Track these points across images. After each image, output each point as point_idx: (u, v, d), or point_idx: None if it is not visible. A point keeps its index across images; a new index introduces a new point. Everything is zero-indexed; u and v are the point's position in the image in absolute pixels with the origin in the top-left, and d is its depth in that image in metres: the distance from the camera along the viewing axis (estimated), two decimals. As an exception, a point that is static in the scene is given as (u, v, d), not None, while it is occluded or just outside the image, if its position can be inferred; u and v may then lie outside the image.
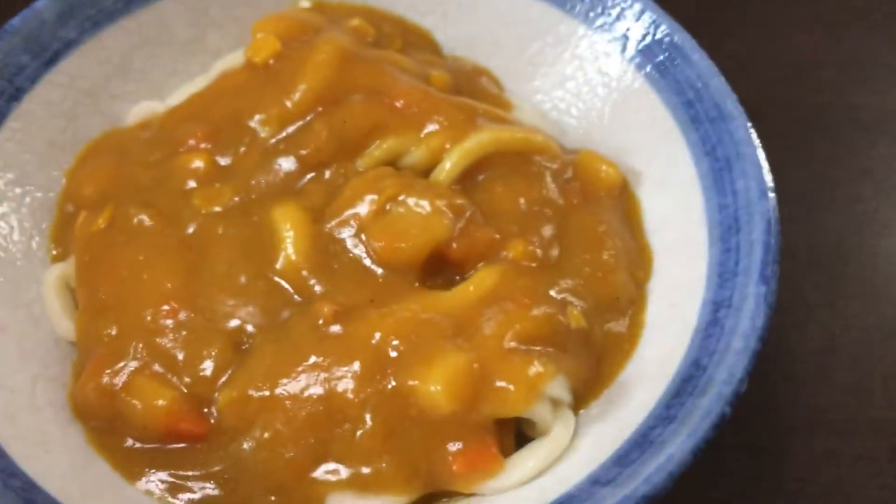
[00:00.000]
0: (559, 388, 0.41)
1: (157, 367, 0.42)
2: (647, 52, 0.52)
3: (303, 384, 0.41)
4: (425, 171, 0.49)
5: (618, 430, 0.39)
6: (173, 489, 0.41)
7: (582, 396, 0.43)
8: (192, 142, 0.49)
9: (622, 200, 0.50)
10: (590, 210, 0.49)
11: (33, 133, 0.49)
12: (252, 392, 0.41)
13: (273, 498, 0.40)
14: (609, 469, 0.37)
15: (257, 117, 0.49)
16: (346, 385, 0.40)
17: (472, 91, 0.55)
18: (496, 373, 0.40)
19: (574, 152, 0.52)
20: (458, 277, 0.45)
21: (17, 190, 0.48)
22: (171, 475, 0.41)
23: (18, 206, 0.48)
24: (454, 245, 0.45)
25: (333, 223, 0.45)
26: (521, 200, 0.48)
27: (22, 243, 0.48)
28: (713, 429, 0.36)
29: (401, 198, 0.45)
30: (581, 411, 0.43)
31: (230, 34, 0.56)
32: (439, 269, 0.45)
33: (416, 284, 0.44)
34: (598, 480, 0.36)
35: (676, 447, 0.35)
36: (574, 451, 0.40)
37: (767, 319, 0.39)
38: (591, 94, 0.54)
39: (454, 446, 0.40)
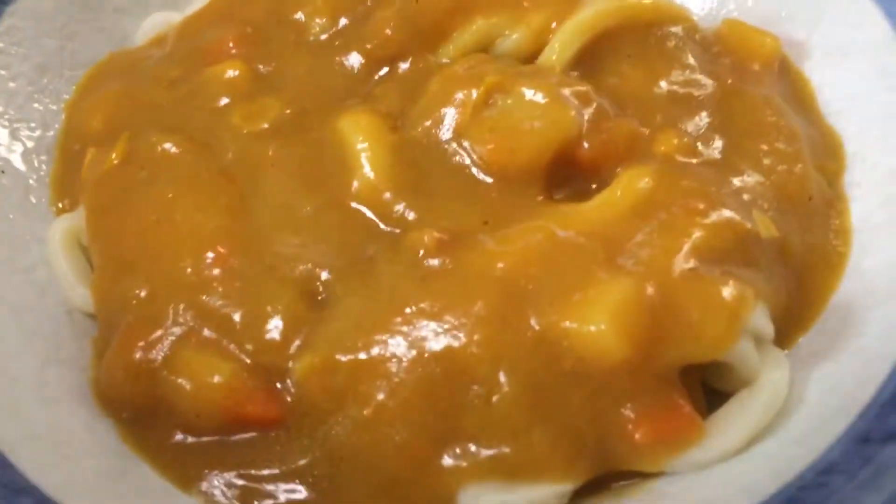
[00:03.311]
0: (762, 317, 0.30)
1: (207, 333, 0.31)
2: None
3: (408, 340, 0.29)
4: (527, 58, 0.38)
5: (861, 365, 0.28)
6: (244, 495, 0.30)
7: (784, 331, 0.32)
8: (230, 47, 0.38)
9: (782, 78, 0.40)
10: (748, 91, 0.37)
11: (21, 55, 0.39)
12: (340, 356, 0.29)
13: (385, 499, 0.29)
14: (883, 415, 0.26)
15: (304, 11, 0.39)
16: (468, 336, 0.29)
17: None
18: (680, 300, 0.28)
19: (712, 24, 0.41)
20: (593, 186, 0.34)
21: (6, 126, 0.38)
22: (239, 476, 0.30)
23: (8, 148, 0.38)
24: (585, 144, 0.33)
25: (420, 129, 0.34)
26: (662, 84, 0.36)
27: (16, 195, 0.37)
28: None
29: (508, 88, 0.34)
30: (786, 351, 0.32)
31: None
32: (565, 177, 0.34)
33: (540, 198, 0.33)
34: (869, 437, 0.25)
35: None
36: (798, 403, 0.29)
37: None
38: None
39: (631, 408, 0.29)
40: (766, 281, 0.31)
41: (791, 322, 0.32)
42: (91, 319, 0.35)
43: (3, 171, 0.36)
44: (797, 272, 0.33)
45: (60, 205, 0.38)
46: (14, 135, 0.38)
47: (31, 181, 0.38)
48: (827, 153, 0.37)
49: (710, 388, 0.31)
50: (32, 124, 0.38)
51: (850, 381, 0.29)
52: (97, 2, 0.42)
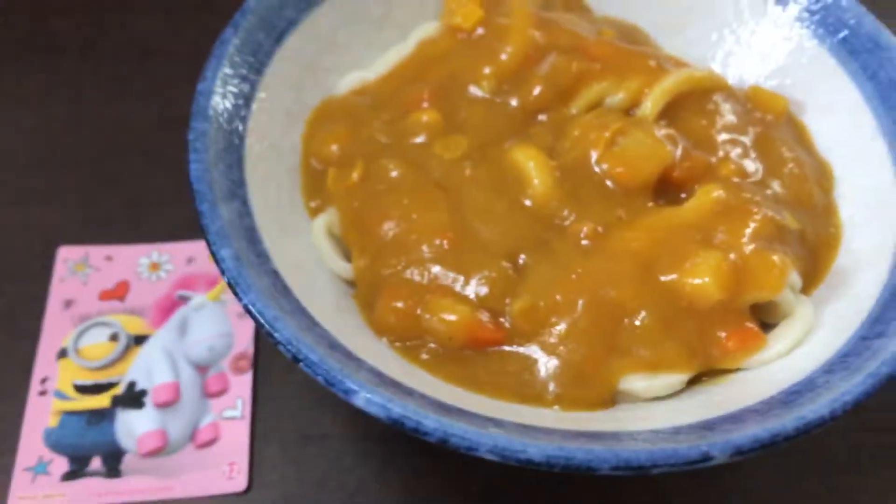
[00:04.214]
0: (794, 275, 0.49)
1: (449, 288, 0.48)
2: (796, 2, 0.60)
3: (582, 291, 0.48)
4: (627, 111, 0.56)
5: (856, 303, 0.48)
6: (477, 385, 0.47)
7: (804, 286, 0.51)
8: (424, 99, 0.55)
9: (789, 126, 0.59)
10: (771, 134, 0.57)
11: (275, 104, 0.55)
12: (539, 301, 0.48)
13: (576, 387, 0.47)
14: (872, 326, 0.45)
15: (473, 76, 0.56)
16: (619, 287, 0.48)
17: (632, 43, 0.63)
18: (750, 264, 0.48)
19: (739, 90, 0.60)
20: (682, 196, 0.53)
21: (274, 155, 0.54)
22: (474, 373, 0.48)
23: (276, 169, 0.54)
24: (676, 169, 0.52)
25: (569, 157, 0.53)
26: (718, 128, 0.55)
27: (286, 198, 0.54)
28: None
29: (626, 132, 0.52)
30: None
31: (412, 9, 0.63)
32: (664, 190, 0.53)
33: (650, 204, 0.52)
34: (866, 336, 0.45)
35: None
36: (818, 326, 0.49)
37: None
38: (740, 44, 0.62)
39: (723, 329, 0.48)
40: (793, 253, 0.51)
41: (809, 281, 0.52)
42: (347, 284, 0.52)
43: (279, 185, 0.53)
44: (811, 250, 0.52)
45: (313, 205, 0.55)
46: (278, 160, 0.54)
47: (291, 191, 0.54)
48: (822, 176, 0.56)
49: (762, 322, 0.50)
50: (286, 152, 0.55)
51: (849, 312, 0.48)
52: (314, 64, 0.58)
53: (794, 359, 0.47)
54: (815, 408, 0.40)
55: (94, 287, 0.66)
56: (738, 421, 0.41)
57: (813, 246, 0.52)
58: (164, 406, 0.59)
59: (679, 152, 0.52)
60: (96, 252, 0.67)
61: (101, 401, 0.60)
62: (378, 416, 0.39)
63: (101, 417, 0.59)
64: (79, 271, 0.67)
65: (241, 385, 0.61)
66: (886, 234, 0.50)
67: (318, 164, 0.56)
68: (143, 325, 0.64)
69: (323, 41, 0.60)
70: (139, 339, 0.63)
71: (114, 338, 0.63)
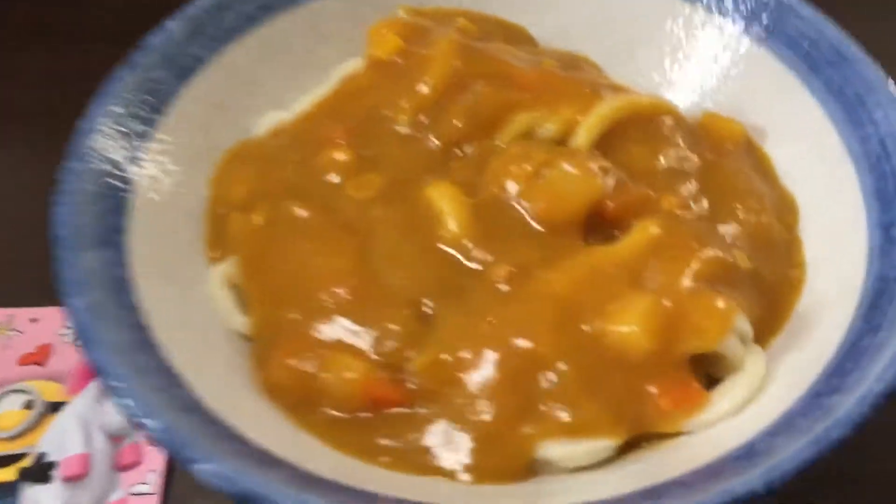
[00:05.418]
0: (743, 321, 0.43)
1: (347, 343, 0.43)
2: (751, 17, 0.54)
3: (494, 342, 0.42)
4: (560, 142, 0.51)
5: (816, 353, 0.41)
6: (375, 454, 0.41)
7: (760, 334, 0.44)
8: (338, 137, 0.51)
9: (749, 154, 0.53)
10: (725, 164, 0.51)
11: (179, 145, 0.51)
12: (445, 356, 0.42)
13: (484, 455, 0.40)
14: (829, 380, 0.38)
15: (391, 110, 0.51)
16: (536, 338, 0.41)
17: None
18: (687, 309, 0.41)
19: (693, 117, 0.54)
20: (616, 233, 0.46)
21: (171, 200, 0.50)
22: (371, 441, 0.42)
23: (173, 215, 0.50)
24: (609, 203, 0.46)
25: (488, 194, 0.47)
26: (661, 159, 0.50)
27: (185, 250, 0.49)
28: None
29: (551, 163, 0.47)
30: (767, 349, 0.44)
31: (338, 46, 0.58)
32: (597, 227, 0.47)
33: (580, 242, 0.46)
34: (820, 392, 0.38)
35: (898, 342, 0.37)
36: (772, 380, 0.42)
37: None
38: (694, 66, 0.57)
39: (656, 386, 0.41)
40: (744, 297, 0.44)
41: (767, 328, 0.45)
42: (244, 339, 0.47)
43: (175, 232, 0.48)
44: (770, 292, 0.46)
45: (213, 255, 0.49)
46: (176, 206, 0.50)
47: (192, 239, 0.50)
48: (785, 208, 0.50)
49: (709, 377, 0.44)
50: (190, 197, 0.51)
51: (806, 364, 0.41)
52: (229, 103, 0.54)
53: (741, 419, 0.41)
54: (746, 480, 0.33)
55: (16, 351, 0.61)
56: (655, 496, 0.35)
57: (771, 288, 0.46)
58: (72, 480, 0.54)
59: (612, 184, 0.46)
60: (22, 314, 0.64)
61: (7, 474, 0.55)
62: (222, 488, 0.34)
63: (5, 493, 0.54)
64: (0, 334, 0.63)
65: (156, 458, 0.56)
66: (853, 272, 0.43)
67: (223, 210, 0.51)
68: (61, 392, 0.59)
69: (238, 79, 0.55)
70: (55, 407, 0.58)
71: (28, 405, 0.58)
